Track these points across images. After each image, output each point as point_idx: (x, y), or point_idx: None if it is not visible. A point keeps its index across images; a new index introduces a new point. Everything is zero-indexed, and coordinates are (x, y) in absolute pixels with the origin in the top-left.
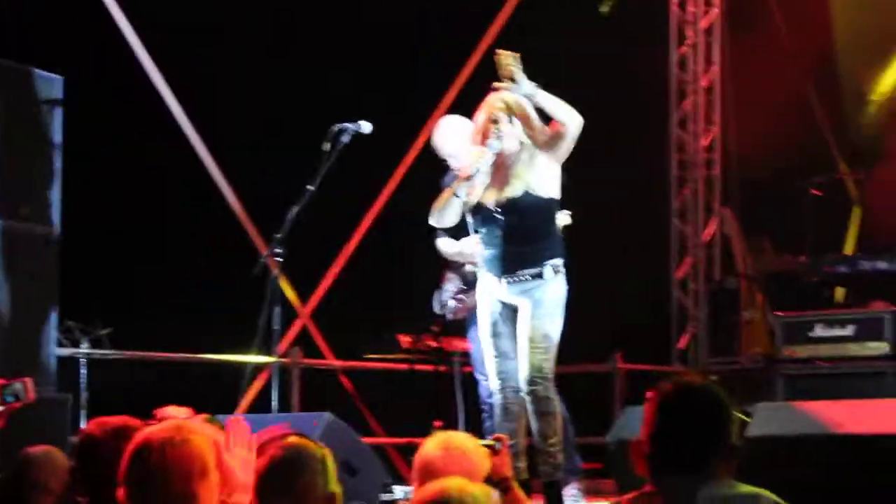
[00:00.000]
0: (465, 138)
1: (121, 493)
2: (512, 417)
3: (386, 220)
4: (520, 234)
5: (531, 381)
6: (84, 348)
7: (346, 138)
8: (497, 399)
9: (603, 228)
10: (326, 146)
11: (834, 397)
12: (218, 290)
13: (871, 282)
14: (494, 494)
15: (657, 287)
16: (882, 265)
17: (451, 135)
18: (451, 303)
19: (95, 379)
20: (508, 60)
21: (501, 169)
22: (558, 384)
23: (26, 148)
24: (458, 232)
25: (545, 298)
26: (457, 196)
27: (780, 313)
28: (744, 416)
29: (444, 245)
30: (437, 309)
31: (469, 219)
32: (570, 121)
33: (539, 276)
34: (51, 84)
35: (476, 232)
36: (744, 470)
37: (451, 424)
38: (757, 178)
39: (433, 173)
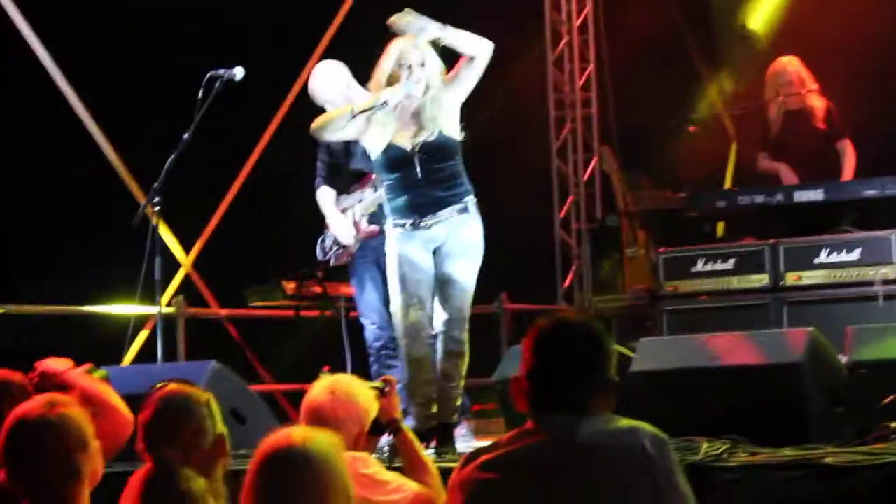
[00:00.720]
0: (341, 83)
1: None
2: (427, 368)
3: (266, 167)
4: (439, 176)
5: (450, 322)
6: None
7: (219, 85)
8: (405, 350)
9: (484, 168)
10: (201, 93)
11: (718, 330)
12: (98, 241)
13: (749, 216)
14: (386, 437)
15: (540, 227)
16: (759, 199)
17: (327, 79)
18: (335, 248)
19: None
20: (404, 20)
21: (407, 114)
22: None
23: None
24: (336, 179)
25: (470, 237)
26: (352, 115)
27: (662, 249)
28: (628, 352)
29: (323, 200)
30: (319, 255)
31: (372, 162)
32: (482, 50)
33: (465, 210)
34: None
35: (385, 178)
36: (627, 404)
37: (338, 369)
38: (635, 115)
39: (313, 116)
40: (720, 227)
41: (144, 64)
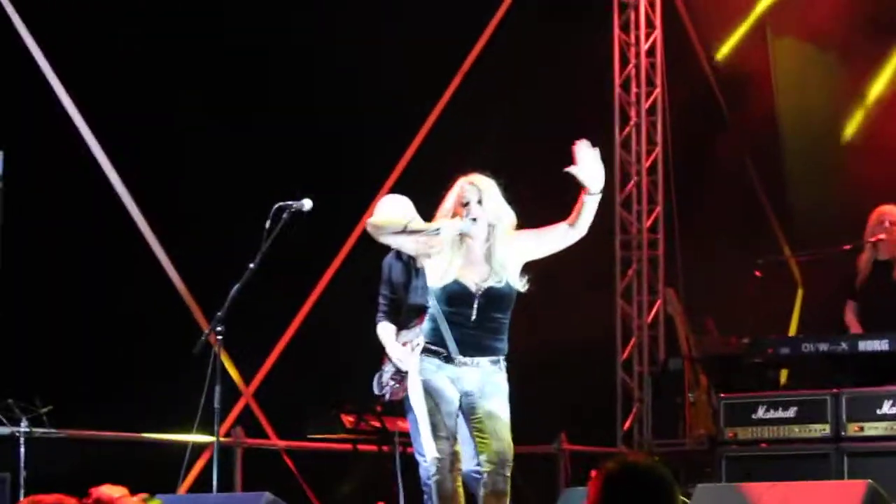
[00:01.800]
0: (404, 214)
1: None
2: (458, 499)
3: (329, 300)
4: (491, 325)
5: (501, 460)
6: (23, 427)
7: (287, 216)
8: (434, 479)
9: (549, 309)
10: (268, 224)
11: (776, 479)
12: (160, 368)
13: (813, 363)
14: None
15: (603, 368)
16: (824, 347)
17: (391, 209)
18: (391, 383)
19: (35, 458)
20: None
21: (476, 254)
22: None
23: None
24: (397, 314)
25: (501, 384)
26: (404, 228)
27: (723, 395)
28: (685, 499)
29: (383, 334)
30: (376, 390)
31: (428, 296)
32: (583, 231)
33: (496, 363)
34: None
35: (437, 307)
36: None
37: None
38: (701, 258)
39: (377, 253)
40: (783, 375)
41: (214, 191)
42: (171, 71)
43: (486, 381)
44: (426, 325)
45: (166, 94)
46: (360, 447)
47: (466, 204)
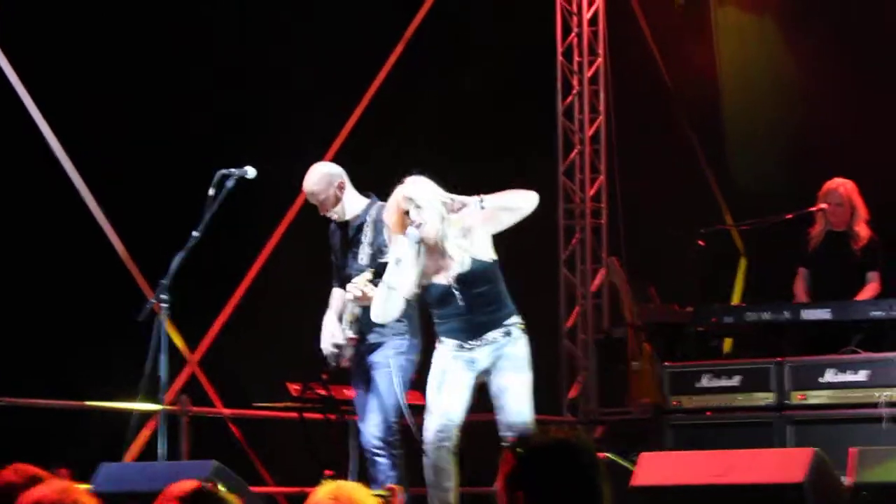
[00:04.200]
0: (333, 182)
1: None
2: (449, 476)
3: (274, 267)
4: (480, 301)
5: (511, 429)
6: None
7: (230, 183)
8: (431, 457)
9: None
10: (211, 191)
11: (721, 447)
12: (104, 336)
13: (757, 332)
14: None
15: (547, 337)
16: (767, 316)
17: (320, 178)
18: (333, 351)
19: None
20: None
21: (437, 252)
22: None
23: None
24: (344, 281)
25: (516, 353)
26: (390, 288)
27: (667, 363)
28: (629, 466)
29: (331, 301)
30: (331, 360)
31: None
32: (528, 205)
33: (508, 334)
34: None
35: (433, 310)
36: None
37: (340, 473)
38: (644, 226)
39: (321, 220)
40: (727, 343)
41: (156, 158)
42: (109, 34)
43: (498, 354)
44: (436, 327)
45: (107, 59)
46: (307, 415)
47: (407, 213)
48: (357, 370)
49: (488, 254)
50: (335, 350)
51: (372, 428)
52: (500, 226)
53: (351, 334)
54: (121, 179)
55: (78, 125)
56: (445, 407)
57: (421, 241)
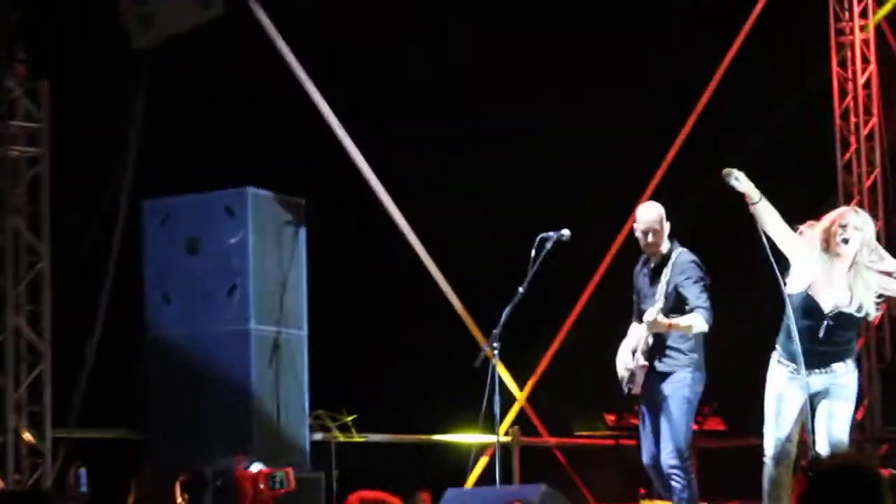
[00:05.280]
0: (658, 217)
1: None
2: (784, 490)
3: (590, 314)
4: (838, 341)
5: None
6: (333, 434)
7: (549, 245)
8: (769, 473)
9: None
10: (533, 252)
11: None
12: (447, 380)
13: None
14: None
15: None
16: None
17: (653, 211)
18: (630, 382)
19: (343, 459)
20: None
21: (837, 273)
22: None
23: (280, 271)
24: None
25: (846, 383)
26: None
27: None
28: None
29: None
30: (624, 388)
31: (789, 309)
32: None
33: (845, 364)
34: (296, 207)
35: (792, 314)
36: None
37: (651, 492)
38: None
39: (625, 272)
40: None
41: (478, 226)
42: (432, 114)
43: (832, 382)
44: (781, 336)
45: (439, 146)
46: (622, 442)
47: (845, 226)
48: (646, 398)
49: (872, 310)
50: (626, 376)
51: (667, 455)
52: (888, 292)
53: (643, 362)
54: (455, 247)
55: (415, 199)
56: (785, 431)
57: (831, 253)
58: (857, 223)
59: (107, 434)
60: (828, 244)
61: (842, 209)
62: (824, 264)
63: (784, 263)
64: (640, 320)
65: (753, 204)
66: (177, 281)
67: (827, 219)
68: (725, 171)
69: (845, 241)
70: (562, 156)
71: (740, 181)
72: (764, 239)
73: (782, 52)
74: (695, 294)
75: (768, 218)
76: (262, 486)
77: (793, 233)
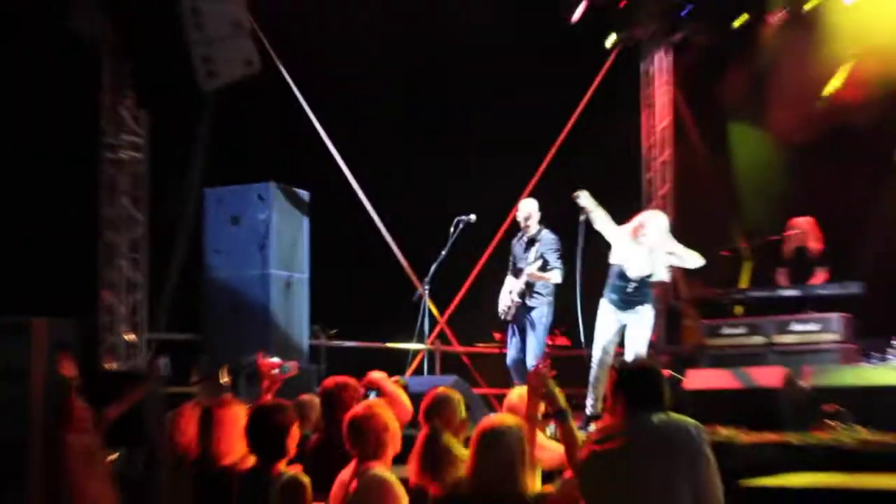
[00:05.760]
0: (529, 211)
1: (345, 434)
2: (602, 383)
3: (486, 269)
4: (640, 293)
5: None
6: (323, 341)
7: (462, 224)
8: (594, 371)
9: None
10: (451, 229)
11: (733, 368)
12: (395, 307)
13: (756, 303)
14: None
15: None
16: (761, 293)
17: (529, 204)
18: (505, 310)
19: (330, 358)
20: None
21: (638, 253)
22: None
23: (291, 236)
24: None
25: (645, 318)
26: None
27: (704, 320)
28: (680, 377)
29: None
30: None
31: (612, 273)
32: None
33: (644, 308)
34: (300, 195)
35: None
36: (678, 408)
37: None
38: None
39: (509, 244)
40: (738, 309)
41: (416, 208)
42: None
43: (636, 317)
44: (606, 289)
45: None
46: (503, 350)
47: (644, 223)
48: (517, 322)
49: (660, 274)
50: (505, 310)
51: (531, 359)
52: (673, 262)
53: (517, 300)
54: (406, 216)
55: (379, 179)
56: (604, 344)
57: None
58: (652, 221)
59: (179, 336)
60: (635, 234)
61: (645, 212)
62: (633, 247)
63: (608, 245)
64: (515, 275)
65: (591, 212)
66: (224, 242)
67: (636, 219)
68: (575, 193)
69: (644, 233)
70: (474, 159)
71: (582, 198)
72: (581, 234)
73: (615, 107)
74: (554, 259)
75: (599, 220)
76: (275, 372)
77: (615, 227)
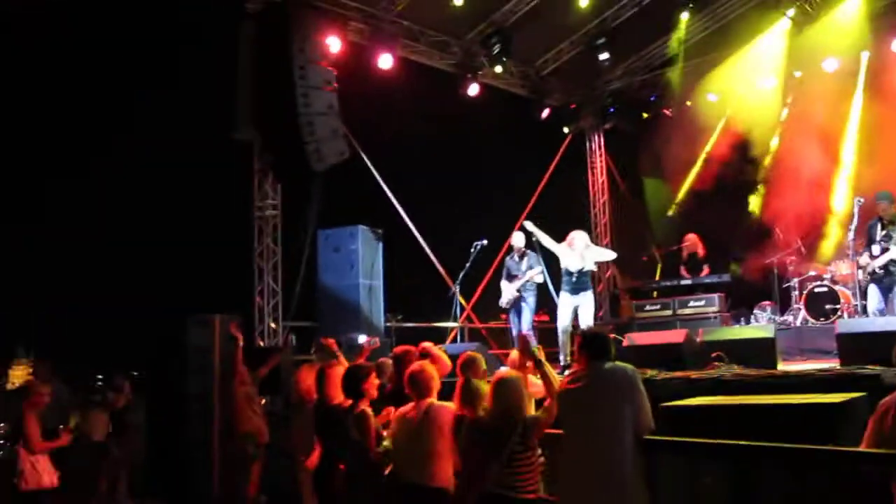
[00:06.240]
0: (520, 240)
1: (405, 383)
2: (567, 346)
3: (494, 276)
4: (583, 281)
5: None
6: (393, 323)
7: (478, 246)
8: (561, 337)
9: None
10: (472, 250)
11: (654, 331)
12: (436, 302)
13: (666, 288)
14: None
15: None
16: (668, 283)
17: (520, 235)
18: (505, 306)
19: (397, 334)
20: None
21: (575, 256)
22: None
23: (371, 258)
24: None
25: (589, 299)
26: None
27: (634, 301)
28: (620, 338)
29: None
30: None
31: (564, 271)
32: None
33: (587, 292)
34: (377, 232)
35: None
36: (621, 358)
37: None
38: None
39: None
40: (655, 293)
41: (448, 228)
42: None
43: (584, 299)
44: (562, 283)
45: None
46: (509, 325)
47: (574, 239)
48: (514, 308)
49: (592, 268)
50: (505, 302)
51: (525, 329)
52: (601, 260)
53: (515, 294)
54: (446, 229)
55: (426, 210)
56: (566, 319)
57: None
58: (578, 235)
59: (303, 323)
60: (569, 245)
61: (574, 231)
62: (569, 253)
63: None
64: (508, 280)
65: (535, 234)
66: (330, 263)
67: (569, 236)
68: (522, 224)
69: (574, 244)
70: (484, 203)
71: (528, 226)
72: (537, 248)
73: (571, 169)
74: (536, 266)
75: (543, 239)
76: (365, 345)
77: (555, 243)
